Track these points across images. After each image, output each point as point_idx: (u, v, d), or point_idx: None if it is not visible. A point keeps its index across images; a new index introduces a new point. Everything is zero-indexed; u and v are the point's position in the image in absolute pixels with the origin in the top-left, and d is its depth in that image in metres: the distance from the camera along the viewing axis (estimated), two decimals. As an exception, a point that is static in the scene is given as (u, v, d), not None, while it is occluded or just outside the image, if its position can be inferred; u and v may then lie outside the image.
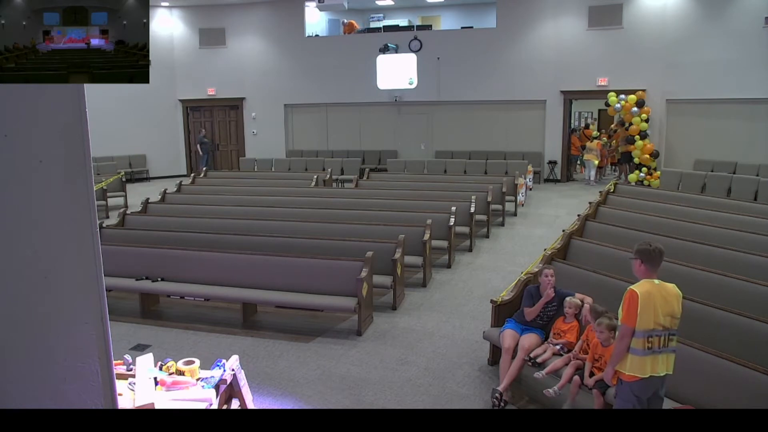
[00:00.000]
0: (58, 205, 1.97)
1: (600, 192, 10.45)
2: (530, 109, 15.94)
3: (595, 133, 16.66)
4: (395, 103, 16.64)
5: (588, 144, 15.57)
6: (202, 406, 3.20)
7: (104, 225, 8.34)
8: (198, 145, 17.77)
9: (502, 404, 4.61)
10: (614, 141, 15.71)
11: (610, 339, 4.23)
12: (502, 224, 10.94)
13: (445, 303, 6.98)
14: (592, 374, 4.30)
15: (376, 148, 17.22)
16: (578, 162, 16.58)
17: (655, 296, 3.39)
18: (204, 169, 14.67)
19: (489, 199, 10.03)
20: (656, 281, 3.47)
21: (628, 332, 3.39)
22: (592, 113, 21.44)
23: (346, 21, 17.86)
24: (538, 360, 4.65)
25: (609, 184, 10.94)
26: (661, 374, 3.44)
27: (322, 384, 5.08)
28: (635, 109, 13.89)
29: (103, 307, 2.09)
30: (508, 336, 4.86)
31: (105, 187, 12.44)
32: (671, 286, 3.51)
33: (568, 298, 4.86)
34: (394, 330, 6.19)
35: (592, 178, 15.44)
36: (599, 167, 15.86)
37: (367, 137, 17.37)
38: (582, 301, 4.82)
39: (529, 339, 4.81)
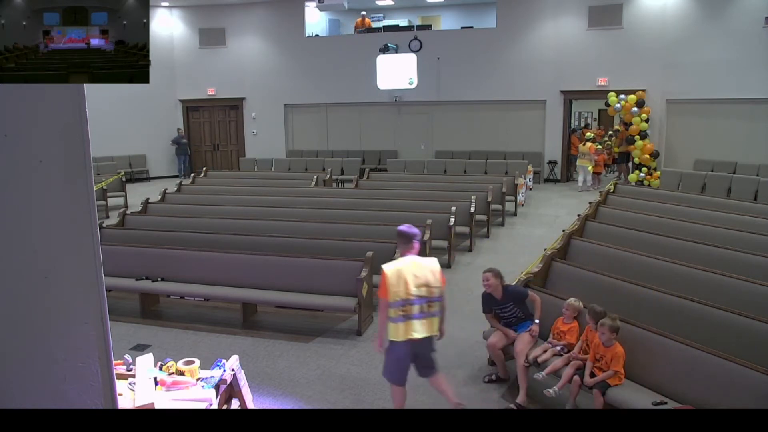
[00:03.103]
0: (58, 205, 1.97)
1: (600, 192, 10.43)
2: (530, 109, 15.92)
3: (588, 134, 15.63)
4: (395, 103, 16.62)
5: (581, 147, 14.61)
6: (202, 406, 3.20)
7: (104, 225, 8.33)
8: (175, 146, 17.57)
9: (494, 378, 5.06)
10: (613, 143, 15.23)
11: (611, 339, 4.26)
12: (502, 224, 10.93)
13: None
14: (592, 374, 4.31)
15: (376, 148, 17.20)
16: (578, 162, 16.16)
17: (405, 271, 3.99)
18: (192, 175, 13.06)
19: (489, 199, 10.02)
20: (410, 257, 4.09)
21: (384, 304, 4.00)
22: (592, 113, 21.40)
23: (365, 13, 17.58)
24: (539, 360, 4.65)
25: (609, 184, 10.92)
26: (419, 336, 3.97)
27: (322, 384, 5.08)
28: (635, 109, 13.86)
29: (103, 307, 2.09)
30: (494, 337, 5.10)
31: (105, 187, 12.43)
32: (428, 261, 4.16)
33: (568, 300, 4.86)
34: (394, 330, 6.18)
35: (588, 183, 14.58)
36: (596, 173, 14.82)
37: (367, 137, 17.35)
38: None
39: (521, 341, 4.82)
